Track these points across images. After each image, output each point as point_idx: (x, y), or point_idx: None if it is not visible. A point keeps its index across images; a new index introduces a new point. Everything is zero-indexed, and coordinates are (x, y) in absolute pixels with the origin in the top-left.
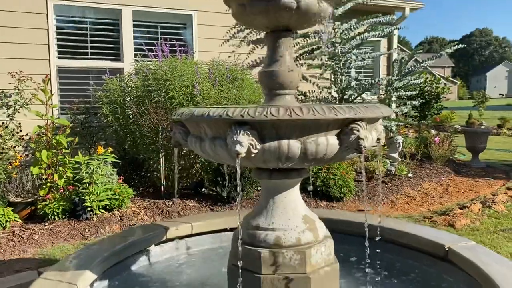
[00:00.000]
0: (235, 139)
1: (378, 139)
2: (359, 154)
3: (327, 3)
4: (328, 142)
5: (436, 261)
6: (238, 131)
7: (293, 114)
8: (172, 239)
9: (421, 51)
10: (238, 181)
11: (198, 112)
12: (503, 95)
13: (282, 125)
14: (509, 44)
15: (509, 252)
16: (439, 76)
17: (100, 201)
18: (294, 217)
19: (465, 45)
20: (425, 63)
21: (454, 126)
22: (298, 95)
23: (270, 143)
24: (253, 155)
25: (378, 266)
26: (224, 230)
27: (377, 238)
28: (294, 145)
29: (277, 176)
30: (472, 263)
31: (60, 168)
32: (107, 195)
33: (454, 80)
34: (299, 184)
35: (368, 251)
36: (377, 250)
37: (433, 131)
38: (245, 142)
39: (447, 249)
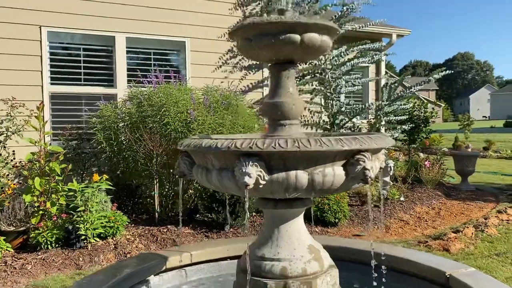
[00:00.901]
0: (243, 170)
1: (381, 168)
2: (365, 184)
3: (328, 37)
4: (335, 173)
5: None
6: (247, 163)
7: (301, 145)
8: (171, 269)
9: (409, 76)
10: (246, 213)
11: (206, 144)
12: (486, 117)
13: (290, 156)
14: (490, 67)
15: (505, 277)
16: (426, 100)
17: (94, 229)
18: (299, 247)
19: (450, 70)
20: (414, 89)
21: (442, 149)
22: None
23: (278, 174)
24: (261, 186)
25: None
26: (223, 258)
27: (373, 262)
28: (301, 176)
29: (282, 205)
30: None
31: (53, 196)
32: (102, 223)
33: (439, 103)
34: (303, 213)
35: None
36: (379, 277)
37: (422, 155)
38: (253, 173)
39: (448, 276)
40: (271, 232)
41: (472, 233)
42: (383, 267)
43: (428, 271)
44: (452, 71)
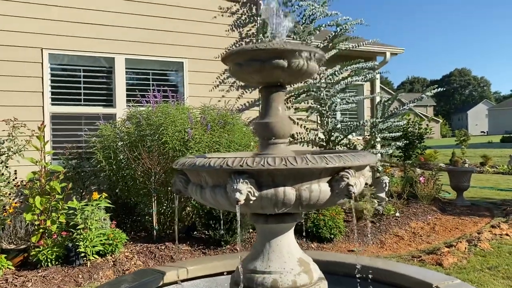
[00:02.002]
0: (234, 187)
1: (366, 183)
2: (349, 199)
3: (314, 62)
4: (321, 189)
5: None
6: (238, 180)
7: (288, 163)
8: (168, 284)
9: (402, 93)
10: (238, 228)
11: (199, 163)
12: (484, 132)
13: (278, 173)
14: (487, 83)
15: None
16: (422, 116)
17: (93, 246)
18: (289, 260)
19: (444, 88)
20: (407, 106)
21: (439, 164)
22: None
23: (267, 190)
24: (251, 202)
25: None
26: (219, 274)
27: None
28: (289, 192)
29: (273, 221)
30: None
31: (53, 214)
32: (101, 240)
33: (437, 119)
34: (293, 228)
35: None
36: None
37: (418, 170)
38: (244, 190)
39: (435, 287)
40: (263, 246)
41: (465, 248)
42: (370, 278)
43: (417, 283)
44: (450, 87)
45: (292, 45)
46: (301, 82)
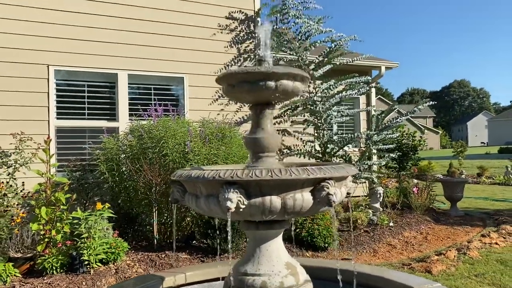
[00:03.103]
0: (226, 196)
1: (348, 193)
2: (330, 207)
3: (300, 83)
4: (304, 197)
5: None
6: (229, 190)
7: (274, 175)
8: None
9: (397, 106)
10: (229, 232)
11: (195, 174)
12: (484, 143)
13: (265, 184)
14: (487, 94)
15: None
16: (421, 128)
17: (97, 254)
18: (278, 264)
19: (437, 101)
20: (401, 119)
21: (436, 175)
22: (284, 149)
23: (256, 199)
24: (241, 210)
25: None
26: (216, 279)
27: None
28: (275, 201)
29: (263, 227)
30: None
31: (58, 224)
32: (104, 249)
33: (436, 130)
34: (281, 234)
35: None
36: None
37: (414, 181)
38: (234, 198)
39: None
40: (253, 251)
41: (454, 256)
42: (355, 282)
43: (398, 286)
44: (449, 98)
45: (279, 68)
46: (288, 100)
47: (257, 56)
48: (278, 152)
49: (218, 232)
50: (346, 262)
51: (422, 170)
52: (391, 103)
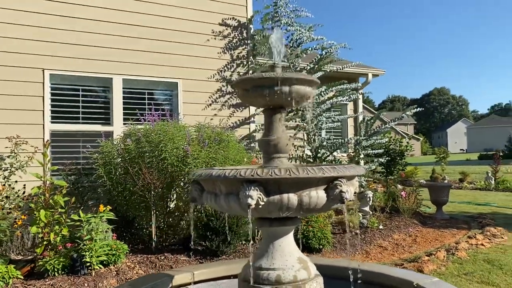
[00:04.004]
0: (247, 193)
1: (355, 192)
2: (342, 205)
3: (310, 88)
4: (318, 195)
5: None
6: (249, 187)
7: (292, 173)
8: (176, 287)
9: (384, 112)
10: (250, 229)
11: (215, 173)
12: (464, 150)
13: (284, 182)
14: (465, 102)
15: None
16: (403, 135)
17: (98, 256)
18: (290, 258)
19: (423, 108)
20: (389, 124)
21: (420, 180)
22: None
23: (274, 196)
24: (260, 207)
25: None
26: (222, 278)
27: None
28: (292, 198)
29: (277, 224)
30: None
31: (56, 227)
32: (104, 251)
33: (417, 137)
34: (293, 231)
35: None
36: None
37: (400, 186)
38: (255, 196)
39: (415, 285)
40: (267, 246)
41: (444, 256)
42: (359, 279)
43: (399, 282)
44: (429, 106)
45: (292, 74)
46: (299, 105)
47: (250, 64)
48: None
49: (217, 234)
50: (347, 261)
51: (407, 176)
52: (373, 110)
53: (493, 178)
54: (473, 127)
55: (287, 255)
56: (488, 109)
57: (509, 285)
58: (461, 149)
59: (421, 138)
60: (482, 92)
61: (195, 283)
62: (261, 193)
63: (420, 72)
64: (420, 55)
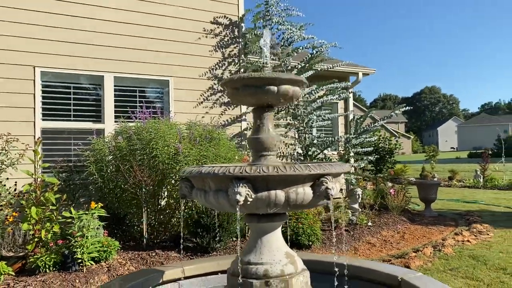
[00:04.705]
0: (235, 190)
1: (341, 189)
2: (328, 201)
3: (298, 87)
4: (305, 191)
5: None
6: (238, 184)
7: (280, 171)
8: (166, 282)
9: (374, 110)
10: (238, 223)
11: (205, 170)
12: (454, 148)
13: (271, 179)
14: (456, 101)
15: (454, 287)
16: (394, 133)
17: (89, 253)
18: (278, 253)
19: (412, 107)
20: (378, 123)
21: (409, 178)
22: None
23: (262, 193)
24: (248, 203)
25: None
26: (211, 273)
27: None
28: (280, 194)
29: (265, 220)
30: None
31: (47, 224)
32: (96, 248)
33: (408, 135)
34: (281, 226)
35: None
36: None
37: (389, 184)
38: (243, 192)
39: (400, 279)
40: (256, 242)
41: (430, 252)
42: (345, 274)
43: (385, 276)
44: (420, 104)
45: (281, 74)
46: (288, 104)
47: (241, 62)
48: None
49: (208, 231)
50: (332, 256)
51: (396, 174)
52: (364, 108)
53: (481, 176)
54: (464, 126)
55: (275, 250)
56: (479, 107)
57: (492, 280)
58: (451, 148)
59: (412, 137)
60: (473, 91)
61: (185, 278)
62: (249, 190)
63: (412, 71)
64: (412, 55)
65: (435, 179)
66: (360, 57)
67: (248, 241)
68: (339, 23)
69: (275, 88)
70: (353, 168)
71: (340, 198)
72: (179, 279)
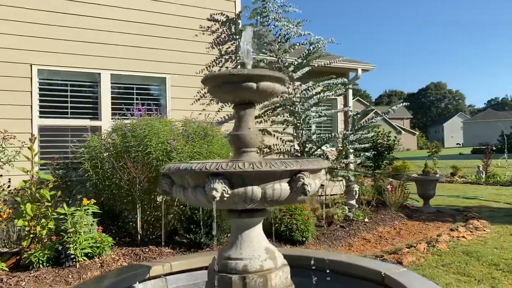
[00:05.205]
0: (211, 186)
1: (322, 185)
2: (305, 197)
3: (279, 84)
4: (282, 187)
5: (376, 286)
6: (214, 180)
7: (255, 167)
8: (154, 277)
9: (373, 109)
10: (214, 220)
11: (183, 167)
12: (460, 144)
13: (247, 175)
14: (462, 97)
15: (445, 283)
16: (398, 129)
17: (82, 249)
18: (258, 249)
19: (408, 103)
20: (375, 119)
21: (412, 175)
22: (264, 148)
23: (239, 189)
24: (225, 199)
25: None
26: (198, 269)
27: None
28: (256, 190)
29: (245, 216)
30: (401, 284)
31: (43, 220)
32: (89, 243)
33: (413, 131)
34: (261, 222)
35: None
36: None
37: (390, 180)
38: (219, 188)
39: (383, 275)
40: (236, 237)
41: (424, 248)
42: (328, 269)
43: (368, 271)
44: (426, 100)
45: (259, 71)
46: (268, 100)
47: (238, 59)
48: (259, 151)
49: (200, 227)
50: (320, 251)
51: (398, 170)
52: (369, 104)
53: (484, 172)
54: (469, 122)
55: (255, 246)
56: (485, 103)
57: (484, 276)
58: (457, 144)
59: (417, 133)
60: (479, 87)
61: (172, 273)
62: (225, 186)
63: (418, 67)
64: (418, 50)
65: (437, 175)
66: (364, 54)
67: (230, 237)
68: (342, 19)
69: (254, 85)
70: (351, 165)
71: (337, 195)
72: (167, 274)
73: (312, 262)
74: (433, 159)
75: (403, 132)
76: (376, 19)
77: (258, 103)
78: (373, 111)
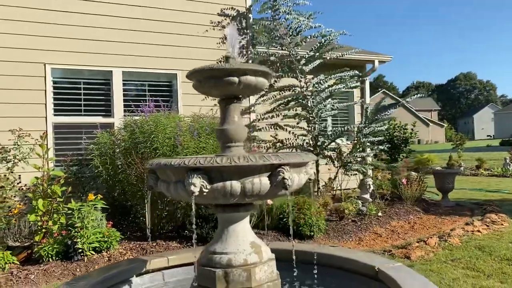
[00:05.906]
0: (190, 181)
1: (310, 179)
2: (286, 191)
3: (263, 78)
4: (261, 182)
5: (370, 281)
6: (193, 175)
7: (233, 162)
8: (151, 271)
9: (385, 102)
10: (193, 215)
11: (164, 162)
12: (491, 136)
13: (225, 170)
14: (493, 87)
15: (452, 278)
16: (426, 121)
17: (90, 243)
18: (243, 243)
19: (422, 94)
20: (389, 112)
21: (435, 168)
22: (276, 142)
23: (218, 183)
24: (205, 194)
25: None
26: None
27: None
28: (235, 185)
29: (229, 210)
30: (393, 280)
31: (55, 215)
32: (97, 238)
33: (441, 123)
34: (248, 217)
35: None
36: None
37: (413, 173)
38: (198, 183)
39: (377, 269)
40: (222, 232)
41: (435, 243)
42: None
43: (362, 266)
44: (455, 91)
45: (242, 65)
46: (253, 95)
47: (250, 53)
48: (272, 145)
49: (207, 221)
50: (315, 246)
51: (421, 163)
52: (396, 97)
53: (511, 164)
54: (501, 112)
55: (240, 240)
56: None
57: (494, 271)
58: (488, 135)
59: (446, 125)
60: (511, 76)
61: (170, 267)
62: (204, 181)
63: (446, 57)
64: (447, 40)
65: (462, 168)
66: (389, 45)
67: (216, 231)
68: (366, 10)
69: (235, 79)
70: (369, 158)
71: (350, 189)
72: (164, 268)
73: (302, 257)
74: (458, 151)
75: (431, 124)
76: (403, 9)
77: (243, 97)
78: (399, 104)
